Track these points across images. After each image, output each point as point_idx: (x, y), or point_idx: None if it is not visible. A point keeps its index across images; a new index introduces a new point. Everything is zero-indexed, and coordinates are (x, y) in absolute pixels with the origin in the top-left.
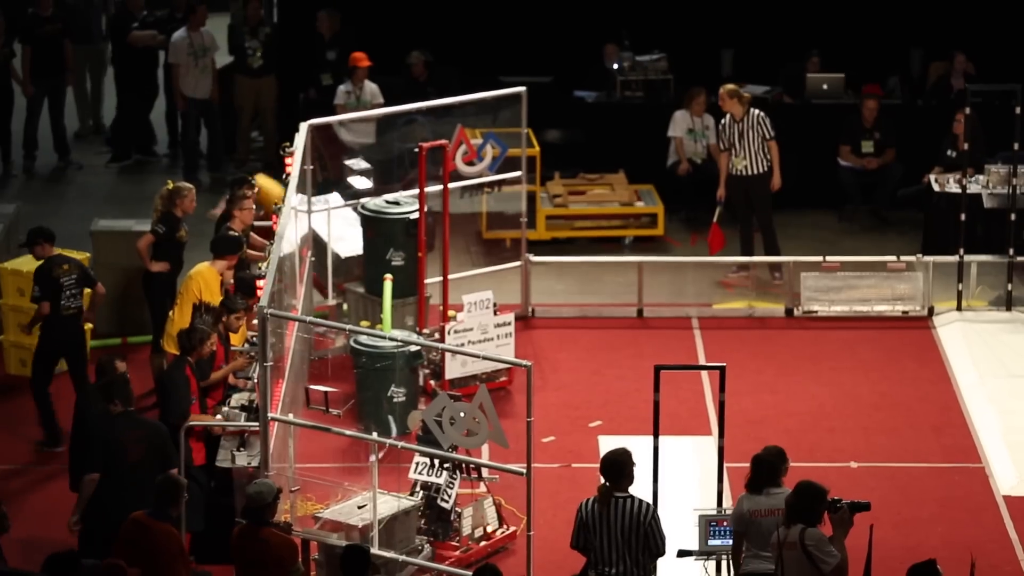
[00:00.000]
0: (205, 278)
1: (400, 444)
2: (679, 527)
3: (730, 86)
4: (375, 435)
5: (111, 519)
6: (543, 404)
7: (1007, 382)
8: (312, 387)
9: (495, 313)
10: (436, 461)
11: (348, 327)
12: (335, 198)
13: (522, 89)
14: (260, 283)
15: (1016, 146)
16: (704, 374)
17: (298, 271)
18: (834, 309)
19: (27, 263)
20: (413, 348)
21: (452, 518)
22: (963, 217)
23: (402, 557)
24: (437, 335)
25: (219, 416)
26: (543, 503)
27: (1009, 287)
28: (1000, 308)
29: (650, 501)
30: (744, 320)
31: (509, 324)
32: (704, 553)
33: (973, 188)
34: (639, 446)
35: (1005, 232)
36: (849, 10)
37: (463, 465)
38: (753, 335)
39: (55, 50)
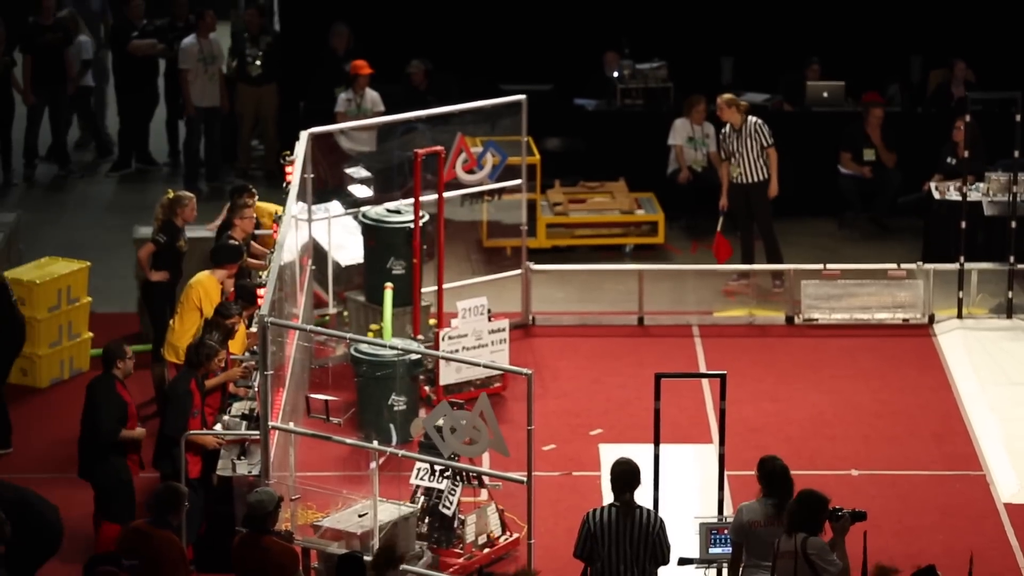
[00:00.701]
0: (205, 287)
1: (401, 452)
2: (680, 535)
3: (727, 95)
4: (376, 443)
5: None
6: (544, 412)
7: (1008, 390)
8: (313, 396)
9: (490, 319)
10: (437, 468)
11: (349, 335)
12: (335, 206)
13: (522, 97)
14: (261, 292)
15: (1016, 154)
16: (705, 382)
17: (299, 280)
18: (835, 317)
19: (27, 272)
20: (414, 357)
21: (455, 525)
22: (963, 225)
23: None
24: (431, 340)
25: (219, 426)
26: (544, 511)
27: (1010, 295)
28: (1001, 316)
29: (651, 509)
30: (745, 328)
31: (504, 330)
32: (705, 561)
33: (973, 196)
34: (640, 454)
35: (1006, 240)
36: (849, 18)
37: (464, 473)
38: (754, 343)
39: (56, 59)
